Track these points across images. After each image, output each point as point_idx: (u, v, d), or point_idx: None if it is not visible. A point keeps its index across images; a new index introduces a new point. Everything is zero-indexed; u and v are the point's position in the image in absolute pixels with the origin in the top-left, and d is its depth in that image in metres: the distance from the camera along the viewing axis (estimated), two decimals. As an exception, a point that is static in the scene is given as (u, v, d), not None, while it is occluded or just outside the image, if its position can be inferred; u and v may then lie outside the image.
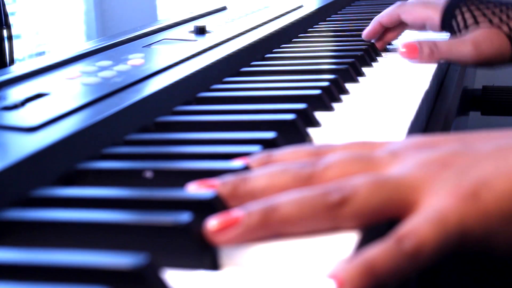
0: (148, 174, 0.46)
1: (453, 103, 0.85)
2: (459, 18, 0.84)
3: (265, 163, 0.44)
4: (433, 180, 0.38)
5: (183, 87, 0.66)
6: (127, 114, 0.56)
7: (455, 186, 0.37)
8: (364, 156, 0.42)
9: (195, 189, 0.42)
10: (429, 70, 0.77)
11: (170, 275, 0.34)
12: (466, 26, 0.84)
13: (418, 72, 0.77)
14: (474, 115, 1.36)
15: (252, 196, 0.40)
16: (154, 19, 1.94)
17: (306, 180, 0.40)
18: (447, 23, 0.86)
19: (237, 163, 0.45)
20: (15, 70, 0.65)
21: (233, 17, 1.01)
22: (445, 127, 0.75)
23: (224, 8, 1.11)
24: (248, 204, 0.39)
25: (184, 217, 0.37)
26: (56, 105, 0.55)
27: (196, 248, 0.36)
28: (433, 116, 0.75)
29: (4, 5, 0.90)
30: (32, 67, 0.66)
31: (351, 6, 1.33)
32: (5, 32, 0.90)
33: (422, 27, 0.91)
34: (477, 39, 0.80)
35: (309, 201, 0.38)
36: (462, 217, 0.36)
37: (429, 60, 0.80)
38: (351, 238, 0.37)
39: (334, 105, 0.64)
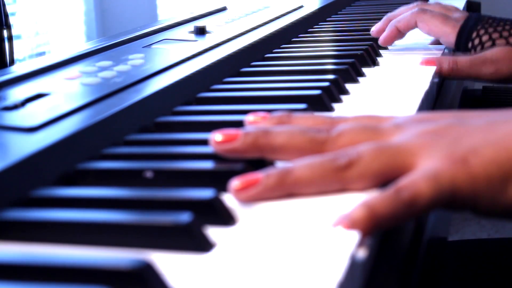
0: (148, 174, 0.46)
1: (453, 103, 0.85)
2: (476, 40, 0.84)
3: (285, 121, 0.49)
4: (429, 146, 0.42)
5: (183, 87, 0.66)
6: (127, 114, 0.56)
7: (448, 152, 0.42)
8: (372, 126, 0.47)
9: (219, 137, 0.46)
10: (429, 70, 0.77)
11: (169, 274, 0.34)
12: (483, 48, 0.83)
13: (418, 72, 0.77)
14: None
15: (271, 149, 0.46)
16: (154, 19, 1.94)
17: (320, 144, 0.46)
18: (462, 44, 0.85)
19: (250, 117, 0.50)
20: (15, 70, 0.65)
21: (233, 17, 1.01)
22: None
23: (224, 9, 1.12)
24: (267, 169, 0.43)
25: (184, 217, 0.37)
26: (56, 105, 0.55)
27: (196, 248, 0.36)
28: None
29: (4, 5, 0.90)
30: (32, 67, 0.66)
31: (351, 6, 1.33)
32: (5, 33, 0.90)
33: (436, 39, 0.91)
34: (496, 57, 0.80)
35: (319, 165, 0.43)
36: (453, 177, 0.40)
37: (448, 76, 0.80)
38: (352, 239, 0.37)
39: (334, 105, 0.64)
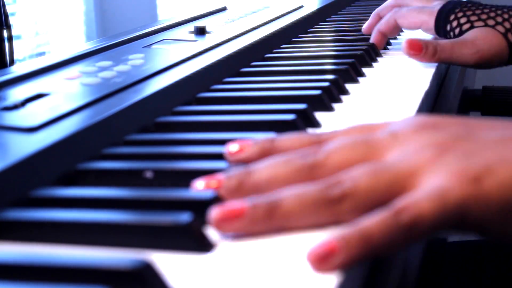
0: (148, 174, 0.46)
1: (453, 103, 0.85)
2: (454, 23, 0.84)
3: (268, 149, 0.44)
4: (434, 162, 0.38)
5: (183, 87, 0.66)
6: (127, 115, 0.56)
7: (457, 168, 0.37)
8: (364, 140, 0.41)
9: (201, 185, 0.41)
10: (429, 70, 0.77)
11: (169, 274, 0.34)
12: (461, 31, 0.83)
13: (418, 72, 0.77)
14: (474, 115, 1.36)
15: (257, 189, 0.40)
16: (154, 19, 1.94)
17: (308, 170, 0.41)
18: (441, 28, 0.86)
19: (233, 147, 0.45)
20: (15, 71, 0.65)
21: (233, 17, 1.01)
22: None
23: (224, 9, 1.12)
24: (253, 197, 0.39)
25: (184, 217, 0.37)
26: (56, 105, 0.55)
27: (196, 248, 0.36)
28: (433, 117, 0.74)
29: (4, 5, 0.90)
30: (32, 68, 0.66)
31: (351, 6, 1.33)
32: (5, 33, 0.90)
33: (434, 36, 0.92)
34: (476, 39, 0.80)
35: (311, 197, 0.38)
36: (462, 198, 0.36)
37: (430, 59, 0.79)
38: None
39: (334, 105, 0.64)
